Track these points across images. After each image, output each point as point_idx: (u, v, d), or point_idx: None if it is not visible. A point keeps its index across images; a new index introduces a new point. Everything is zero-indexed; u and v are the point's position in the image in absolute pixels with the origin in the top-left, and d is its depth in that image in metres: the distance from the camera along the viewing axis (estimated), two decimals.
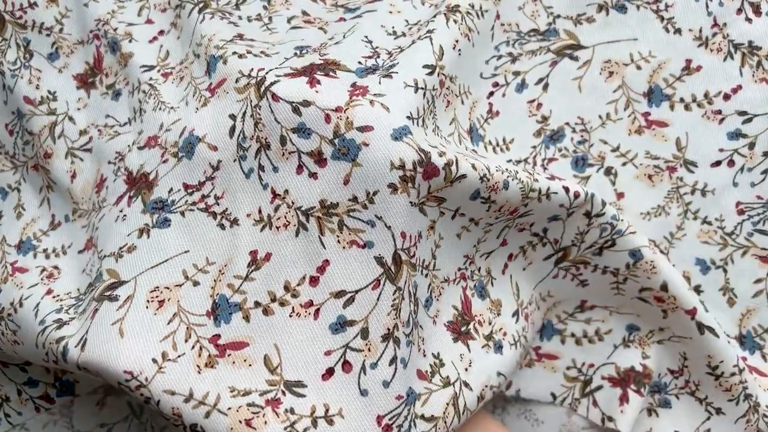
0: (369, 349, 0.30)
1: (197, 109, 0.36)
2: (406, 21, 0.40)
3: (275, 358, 0.31)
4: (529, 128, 0.43)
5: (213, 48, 0.37)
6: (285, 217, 0.32)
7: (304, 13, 0.42)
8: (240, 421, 0.30)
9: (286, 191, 0.32)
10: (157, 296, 0.32)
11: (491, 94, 0.43)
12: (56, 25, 0.44)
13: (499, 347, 0.37)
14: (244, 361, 0.31)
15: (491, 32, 0.42)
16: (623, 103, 0.43)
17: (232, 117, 0.33)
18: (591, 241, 0.38)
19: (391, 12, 0.41)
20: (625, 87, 0.43)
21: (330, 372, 0.31)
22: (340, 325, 0.31)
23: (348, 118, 0.31)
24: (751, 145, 0.41)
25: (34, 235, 0.41)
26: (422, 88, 0.34)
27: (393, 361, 0.30)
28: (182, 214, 0.33)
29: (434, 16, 0.39)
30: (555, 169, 0.43)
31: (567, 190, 0.36)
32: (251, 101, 0.33)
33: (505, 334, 0.37)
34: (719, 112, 0.42)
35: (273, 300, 0.31)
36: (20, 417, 0.41)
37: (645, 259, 0.38)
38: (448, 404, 0.32)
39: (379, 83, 0.33)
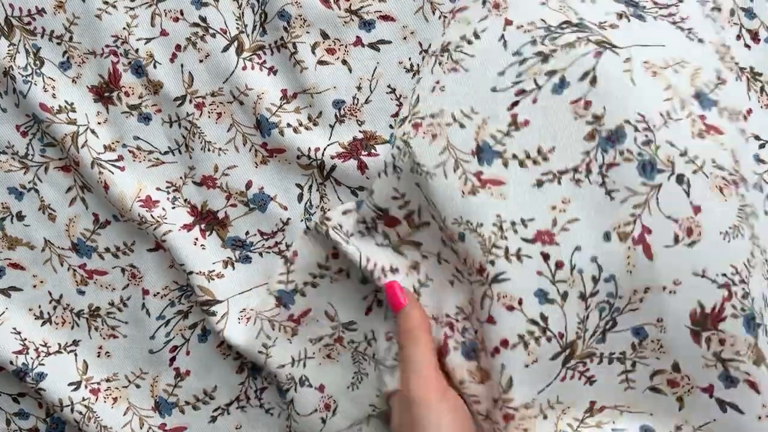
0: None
1: (257, 164, 0.44)
2: (420, 45, 0.43)
3: (332, 311, 0.42)
4: (575, 131, 0.37)
5: (264, 110, 0.43)
6: (340, 267, 0.42)
7: (323, 34, 0.44)
8: (323, 357, 0.42)
9: None
10: (245, 315, 0.43)
11: (515, 104, 0.38)
12: (66, 33, 0.44)
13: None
14: (312, 319, 0.42)
15: (500, 42, 0.39)
16: (678, 102, 0.36)
17: (299, 186, 0.44)
18: (593, 327, 0.36)
19: (405, 38, 0.44)
20: (673, 88, 0.37)
21: (369, 309, 0.42)
22: (364, 280, 0.42)
23: None
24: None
25: (83, 235, 0.44)
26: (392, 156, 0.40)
27: None
28: (260, 254, 0.44)
29: (429, 55, 0.42)
30: (617, 175, 0.36)
31: (546, 257, 0.36)
32: (316, 179, 0.44)
33: (478, 402, 0.38)
34: (744, 131, 0.38)
35: (321, 276, 0.42)
36: None
37: (650, 337, 0.36)
38: None
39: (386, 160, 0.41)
